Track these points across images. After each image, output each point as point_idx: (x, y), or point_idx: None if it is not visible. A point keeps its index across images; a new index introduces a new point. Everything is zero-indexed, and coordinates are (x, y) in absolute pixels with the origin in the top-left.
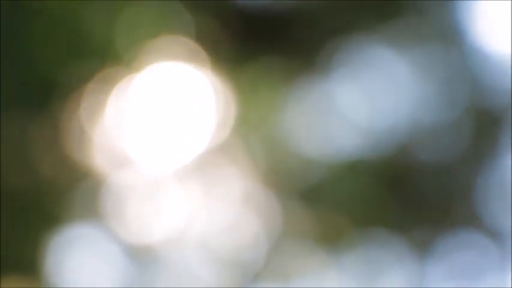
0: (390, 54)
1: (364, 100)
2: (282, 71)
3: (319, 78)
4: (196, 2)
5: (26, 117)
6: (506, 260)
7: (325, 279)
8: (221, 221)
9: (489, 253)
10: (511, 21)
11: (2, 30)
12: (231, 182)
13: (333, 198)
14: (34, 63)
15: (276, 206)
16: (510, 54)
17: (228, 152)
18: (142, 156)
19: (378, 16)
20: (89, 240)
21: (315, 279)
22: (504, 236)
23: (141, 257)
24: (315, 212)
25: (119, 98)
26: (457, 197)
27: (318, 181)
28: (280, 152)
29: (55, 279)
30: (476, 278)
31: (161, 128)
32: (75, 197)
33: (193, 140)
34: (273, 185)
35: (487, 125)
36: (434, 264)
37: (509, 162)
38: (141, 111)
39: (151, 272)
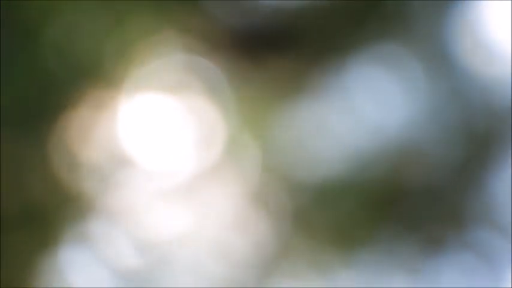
0: (381, 75)
1: (355, 120)
2: (291, 74)
3: (309, 98)
4: (187, 22)
5: (16, 138)
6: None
7: None
8: (230, 221)
9: (497, 253)
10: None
11: None
12: (239, 183)
13: (342, 200)
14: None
15: (286, 207)
16: (502, 74)
17: (236, 153)
18: (151, 157)
19: (369, 36)
20: (82, 262)
21: None
22: (495, 260)
23: (150, 256)
24: (324, 213)
25: (110, 118)
26: (464, 198)
27: (326, 182)
28: (289, 153)
29: None
30: None
31: (169, 128)
32: (67, 219)
33: (202, 141)
34: (282, 186)
35: (478, 145)
36: (443, 266)
37: (500, 182)
38: (134, 130)
39: (161, 270)
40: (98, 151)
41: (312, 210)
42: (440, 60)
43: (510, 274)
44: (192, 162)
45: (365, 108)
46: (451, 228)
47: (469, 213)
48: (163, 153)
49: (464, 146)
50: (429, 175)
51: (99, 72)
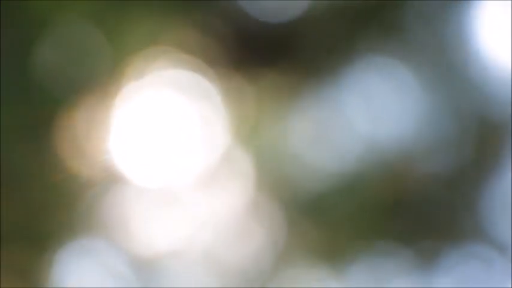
0: (393, 66)
1: (367, 112)
2: (286, 84)
3: (322, 90)
4: (182, 36)
5: (25, 130)
6: (509, 273)
7: None
8: (225, 233)
9: (493, 266)
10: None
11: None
12: (235, 194)
13: (337, 210)
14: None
15: (281, 218)
16: (500, 84)
17: (231, 165)
18: (146, 169)
19: (381, 28)
20: (93, 253)
21: None
22: (508, 249)
23: (145, 269)
24: (319, 224)
25: (121, 110)
26: (460, 209)
27: (322, 193)
28: (285, 163)
29: None
30: None
31: (164, 141)
32: (78, 210)
33: (197, 153)
34: (277, 196)
35: (491, 137)
36: (439, 278)
37: (497, 194)
38: (144, 124)
39: (156, 284)
40: (92, 165)
41: (306, 222)
42: (438, 70)
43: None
44: (187, 175)
45: (360, 120)
46: (447, 241)
47: (466, 226)
48: (158, 167)
49: (477, 138)
50: (424, 187)
51: (94, 86)
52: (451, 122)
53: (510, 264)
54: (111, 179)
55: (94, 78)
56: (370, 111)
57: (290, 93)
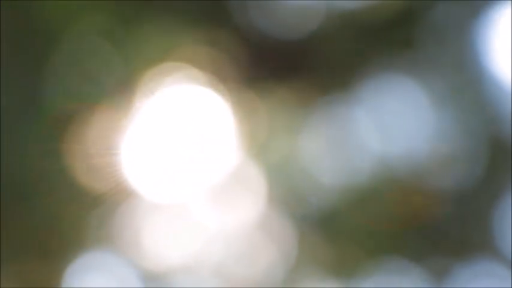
0: (406, 82)
1: (380, 128)
2: (297, 100)
3: (334, 106)
4: (206, 35)
5: (37, 144)
6: None
7: None
8: (236, 247)
9: (505, 282)
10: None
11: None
12: (246, 208)
13: (348, 225)
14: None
15: (291, 233)
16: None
17: (242, 179)
18: (157, 183)
19: (394, 44)
20: (104, 267)
21: None
22: None
23: (156, 283)
24: (330, 239)
25: (133, 125)
26: (472, 226)
27: (333, 208)
28: (296, 179)
29: None
30: None
31: (175, 155)
32: (90, 224)
33: (208, 167)
34: (288, 210)
35: (502, 154)
36: None
37: (507, 211)
38: (156, 139)
39: None
40: (104, 179)
41: (317, 237)
42: (450, 87)
43: None
44: (199, 190)
45: (372, 136)
46: (458, 257)
47: (477, 242)
48: (169, 181)
49: (489, 154)
50: (436, 204)
51: (106, 100)
52: (462, 139)
53: None
54: (123, 193)
55: (106, 93)
56: (382, 128)
57: (302, 109)
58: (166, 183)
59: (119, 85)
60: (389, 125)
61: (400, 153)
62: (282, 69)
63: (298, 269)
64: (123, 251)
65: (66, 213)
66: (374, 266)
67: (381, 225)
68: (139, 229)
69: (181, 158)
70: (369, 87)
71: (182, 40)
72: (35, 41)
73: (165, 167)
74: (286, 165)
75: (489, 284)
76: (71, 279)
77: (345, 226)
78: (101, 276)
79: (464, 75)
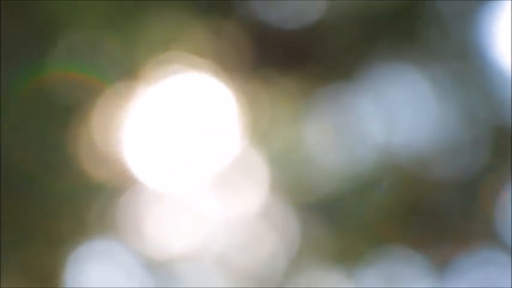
0: (409, 71)
1: (383, 116)
2: (301, 88)
3: (337, 93)
4: (210, 24)
5: (39, 133)
6: None
7: None
8: (239, 236)
9: (507, 271)
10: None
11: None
12: (249, 197)
13: (351, 214)
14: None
15: (295, 222)
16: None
17: (245, 168)
18: (160, 172)
19: (397, 34)
20: (107, 255)
21: None
22: (503, 279)
23: (159, 271)
24: (333, 228)
25: (135, 114)
26: (475, 215)
27: (336, 197)
28: (299, 167)
29: None
30: None
31: (178, 144)
32: (93, 212)
33: (211, 156)
34: (291, 199)
35: (505, 144)
36: (453, 283)
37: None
38: (158, 127)
39: (170, 286)
40: (107, 168)
41: (320, 226)
42: (471, 58)
43: None
44: (202, 178)
45: (375, 125)
46: (461, 246)
47: (480, 231)
48: (172, 170)
49: (492, 143)
50: (439, 193)
51: (109, 89)
52: (466, 128)
53: None
54: (126, 182)
55: (109, 82)
56: (385, 117)
57: (305, 97)
58: (170, 172)
59: (123, 74)
60: (392, 115)
61: (402, 142)
62: (285, 58)
63: (300, 257)
64: (126, 239)
65: (70, 201)
66: (376, 255)
67: (385, 214)
68: (142, 217)
69: (185, 147)
70: (372, 77)
71: (186, 29)
72: (38, 30)
73: (168, 156)
74: (289, 155)
75: (491, 272)
76: (74, 267)
77: (347, 215)
78: (104, 264)
79: (467, 65)
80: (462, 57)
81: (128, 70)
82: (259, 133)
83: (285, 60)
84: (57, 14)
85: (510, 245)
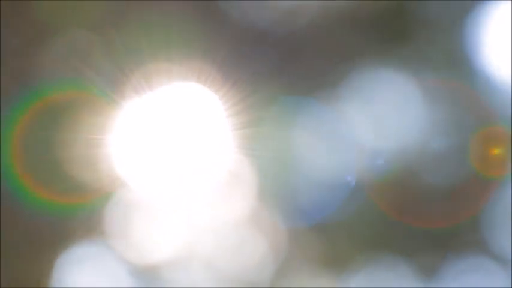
0: (399, 77)
1: (371, 122)
2: (289, 92)
3: (327, 99)
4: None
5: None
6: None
7: None
8: (227, 242)
9: (494, 278)
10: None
11: None
12: (237, 203)
13: (340, 220)
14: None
15: (282, 228)
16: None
17: (234, 174)
18: (148, 176)
19: (387, 38)
20: (94, 261)
21: None
22: (509, 262)
23: (147, 277)
24: (321, 234)
25: (123, 119)
26: (464, 221)
27: (324, 203)
28: (288, 174)
29: None
30: None
31: (166, 150)
32: (81, 216)
33: (199, 162)
34: (279, 206)
35: (493, 150)
36: None
37: (498, 207)
38: (146, 133)
39: None
40: (95, 173)
41: (308, 232)
42: (459, 65)
43: None
44: (190, 184)
45: (364, 130)
46: (449, 253)
47: (467, 238)
48: (160, 175)
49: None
50: (427, 199)
51: (99, 94)
52: (454, 134)
53: (511, 277)
54: (113, 187)
55: (100, 86)
56: (374, 121)
57: (294, 102)
58: (158, 177)
59: (112, 78)
60: (382, 119)
61: (392, 147)
62: (274, 61)
63: (289, 263)
64: (113, 244)
65: (58, 206)
66: (364, 262)
67: (372, 221)
68: (129, 223)
69: (173, 153)
70: (361, 81)
71: (175, 35)
72: (29, 32)
73: (157, 160)
74: (278, 160)
75: (479, 280)
76: (61, 272)
77: (335, 221)
78: (91, 269)
79: (456, 69)
80: (451, 62)
81: (117, 75)
82: (247, 138)
83: (274, 64)
84: (48, 17)
85: (498, 252)
